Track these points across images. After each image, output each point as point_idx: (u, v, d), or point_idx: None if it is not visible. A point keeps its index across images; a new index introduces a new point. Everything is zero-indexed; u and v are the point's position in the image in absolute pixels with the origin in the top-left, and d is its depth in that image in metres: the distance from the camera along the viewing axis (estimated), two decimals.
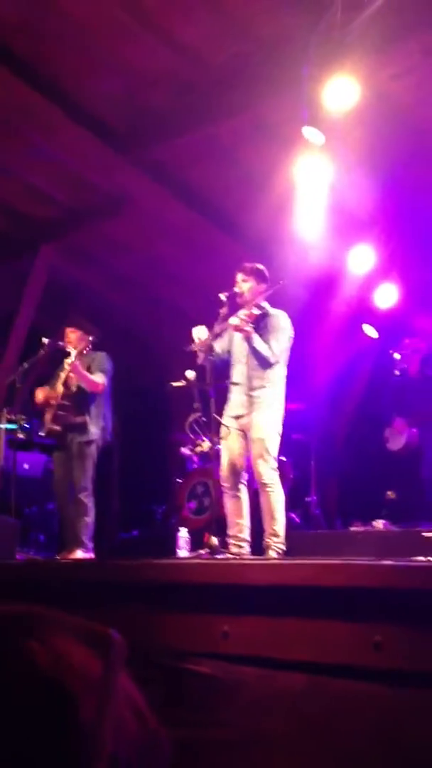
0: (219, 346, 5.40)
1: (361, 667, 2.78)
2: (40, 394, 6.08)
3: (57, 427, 6.02)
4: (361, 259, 7.69)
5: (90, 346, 6.20)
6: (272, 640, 3.06)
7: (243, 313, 5.24)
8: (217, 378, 5.35)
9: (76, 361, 5.89)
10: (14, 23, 6.27)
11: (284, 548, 5.06)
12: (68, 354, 5.97)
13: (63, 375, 6.02)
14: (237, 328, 5.17)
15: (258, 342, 5.17)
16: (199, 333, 5.29)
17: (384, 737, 2.61)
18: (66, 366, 5.94)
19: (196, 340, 5.27)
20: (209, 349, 5.21)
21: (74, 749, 0.80)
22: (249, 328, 5.15)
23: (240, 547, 5.12)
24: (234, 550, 5.07)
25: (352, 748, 2.65)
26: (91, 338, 6.16)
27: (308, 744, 2.74)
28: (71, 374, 5.96)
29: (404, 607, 2.79)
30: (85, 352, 6.09)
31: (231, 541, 5.15)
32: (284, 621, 3.05)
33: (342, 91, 5.99)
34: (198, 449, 6.74)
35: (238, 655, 3.10)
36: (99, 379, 5.98)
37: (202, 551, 4.92)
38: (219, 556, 4.71)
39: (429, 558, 3.44)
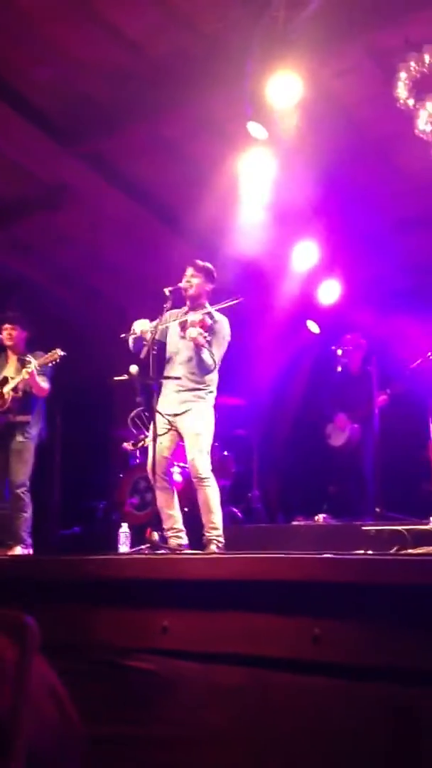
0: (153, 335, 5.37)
1: (300, 660, 2.79)
2: None
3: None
4: (305, 254, 7.72)
5: (23, 344, 6.19)
6: (212, 635, 3.05)
7: (197, 318, 5.21)
8: (160, 373, 5.32)
9: (34, 370, 5.83)
10: None
11: (223, 541, 5.08)
12: (27, 362, 5.89)
13: (14, 381, 5.96)
14: (195, 340, 5.15)
15: (206, 354, 5.20)
16: (141, 326, 5.26)
17: (321, 729, 2.63)
18: (24, 375, 5.87)
19: (138, 332, 5.23)
20: (152, 342, 5.17)
21: None
22: (203, 342, 5.15)
23: (179, 537, 5.13)
24: (174, 542, 5.07)
25: (291, 741, 2.65)
26: (23, 335, 6.15)
27: (248, 738, 2.73)
28: (25, 381, 5.90)
29: (342, 600, 2.81)
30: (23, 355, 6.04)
31: (168, 534, 5.16)
32: (224, 615, 3.05)
33: (285, 87, 6.01)
34: (140, 444, 6.70)
35: (177, 650, 3.09)
36: (46, 384, 5.98)
37: (143, 547, 4.89)
38: (160, 552, 4.69)
39: (367, 551, 3.47)
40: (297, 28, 5.92)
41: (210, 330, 5.28)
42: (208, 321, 5.29)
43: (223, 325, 5.40)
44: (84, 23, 6.29)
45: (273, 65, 5.97)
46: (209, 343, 5.22)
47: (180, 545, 5.06)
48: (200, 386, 5.29)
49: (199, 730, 2.83)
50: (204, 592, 3.17)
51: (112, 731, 2.99)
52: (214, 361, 5.25)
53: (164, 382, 5.33)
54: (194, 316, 5.26)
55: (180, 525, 5.22)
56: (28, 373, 5.86)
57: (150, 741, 2.92)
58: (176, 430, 5.27)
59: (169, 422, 5.26)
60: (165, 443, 5.25)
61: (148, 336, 5.18)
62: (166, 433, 5.25)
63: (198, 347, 5.17)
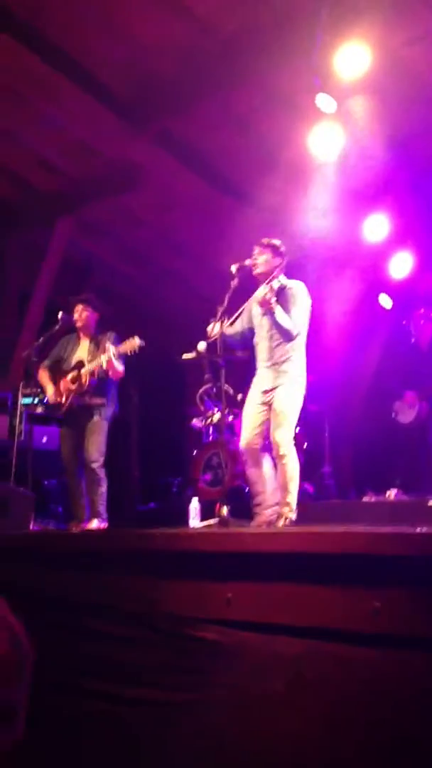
0: (239, 325, 5.42)
1: (359, 632, 2.80)
2: (59, 388, 6.17)
3: (74, 407, 6.12)
4: (376, 228, 7.62)
5: (94, 325, 6.29)
6: (274, 606, 3.09)
7: (264, 289, 5.22)
8: (227, 349, 5.36)
9: (113, 357, 5.92)
10: None
11: (294, 517, 5.09)
12: (101, 344, 6.02)
13: (91, 365, 6.07)
14: (262, 302, 5.16)
15: (281, 315, 5.17)
16: (201, 346, 5.35)
17: (379, 701, 2.65)
18: (102, 362, 5.97)
19: (202, 350, 5.30)
20: (221, 319, 5.21)
21: None
22: (273, 301, 5.15)
23: (269, 515, 5.13)
24: (261, 518, 5.10)
25: (347, 712, 2.69)
26: (96, 316, 6.24)
27: (306, 706, 2.78)
28: (103, 367, 6.00)
29: (402, 574, 2.81)
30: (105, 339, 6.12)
31: (257, 509, 5.17)
32: (285, 587, 3.08)
33: (354, 57, 5.93)
34: (209, 421, 6.76)
35: (240, 621, 3.14)
36: (121, 367, 6.05)
37: (212, 521, 4.96)
38: (228, 526, 4.75)
39: (425, 527, 3.45)
40: None
41: (283, 297, 5.27)
42: (276, 285, 5.27)
43: (298, 289, 5.35)
44: (152, 3, 6.33)
45: (342, 35, 5.89)
46: (285, 308, 5.21)
47: (264, 521, 5.07)
48: (287, 358, 5.24)
49: (257, 696, 2.89)
50: (267, 565, 3.22)
51: (172, 697, 3.09)
52: (295, 324, 5.21)
53: (256, 361, 5.35)
54: (260, 291, 5.26)
55: (270, 501, 5.17)
56: (107, 362, 5.94)
57: (209, 705, 3.00)
58: (268, 407, 5.28)
59: (261, 400, 5.29)
60: (256, 421, 5.28)
61: (229, 331, 5.22)
62: (255, 409, 5.28)
63: (270, 312, 5.16)
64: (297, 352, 5.30)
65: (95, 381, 6.08)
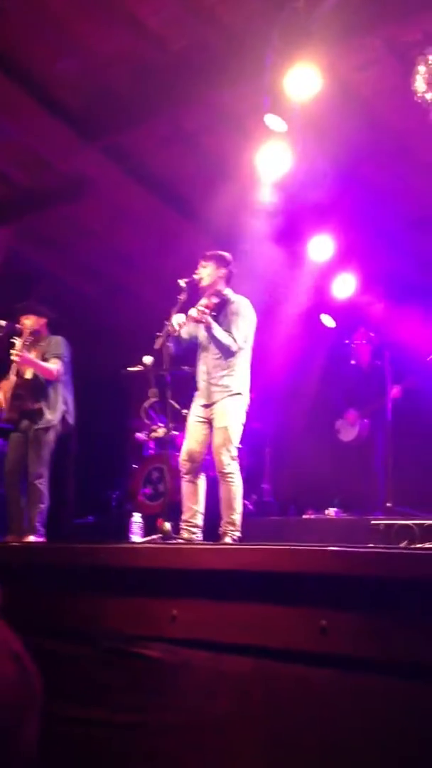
0: (186, 331, 5.38)
1: (307, 651, 2.81)
2: (5, 396, 6.06)
3: (14, 415, 5.99)
4: (320, 248, 7.73)
5: (45, 331, 6.19)
6: (220, 624, 3.07)
7: (202, 302, 5.23)
8: (173, 363, 5.34)
9: (23, 352, 5.81)
10: None
11: (239, 535, 5.10)
12: (14, 344, 5.89)
13: (14, 365, 5.96)
14: (195, 320, 5.17)
15: (218, 331, 5.16)
16: (178, 319, 5.25)
17: (326, 721, 2.65)
18: (13, 357, 5.86)
19: (176, 326, 5.22)
20: (168, 334, 5.18)
21: None
22: (207, 318, 5.15)
23: (192, 533, 5.14)
24: (185, 535, 5.09)
25: (295, 732, 2.68)
26: (37, 323, 6.13)
27: (253, 727, 2.77)
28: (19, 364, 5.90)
29: (350, 592, 2.83)
30: (32, 338, 6.03)
31: (183, 525, 5.17)
32: (232, 605, 3.07)
33: (304, 79, 6.00)
34: (153, 435, 6.74)
35: (186, 639, 3.11)
36: (52, 365, 5.92)
37: (155, 536, 4.92)
38: (171, 542, 4.72)
39: (376, 545, 3.49)
40: (317, 20, 5.90)
41: (225, 312, 5.27)
42: (215, 300, 5.27)
43: (241, 305, 5.35)
44: (106, 16, 6.31)
45: (292, 57, 5.96)
46: (230, 323, 5.21)
47: (191, 540, 5.07)
48: (226, 374, 5.22)
49: (205, 718, 2.86)
50: (213, 582, 3.20)
51: (117, 717, 3.04)
52: (234, 341, 5.20)
53: (197, 374, 5.33)
54: (202, 301, 5.26)
55: (198, 521, 5.19)
56: (16, 355, 5.81)
57: (155, 727, 2.96)
58: (208, 422, 5.26)
59: (201, 415, 5.26)
60: (197, 436, 5.25)
61: (179, 326, 5.18)
62: (197, 423, 5.24)
63: (206, 326, 5.15)
64: (239, 368, 5.28)
65: (28, 384, 5.94)
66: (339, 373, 7.65)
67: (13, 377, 5.96)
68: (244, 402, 5.28)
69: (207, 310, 5.18)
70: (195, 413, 5.27)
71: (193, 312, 5.17)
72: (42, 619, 3.65)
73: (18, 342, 5.83)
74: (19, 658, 0.95)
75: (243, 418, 5.26)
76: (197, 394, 5.34)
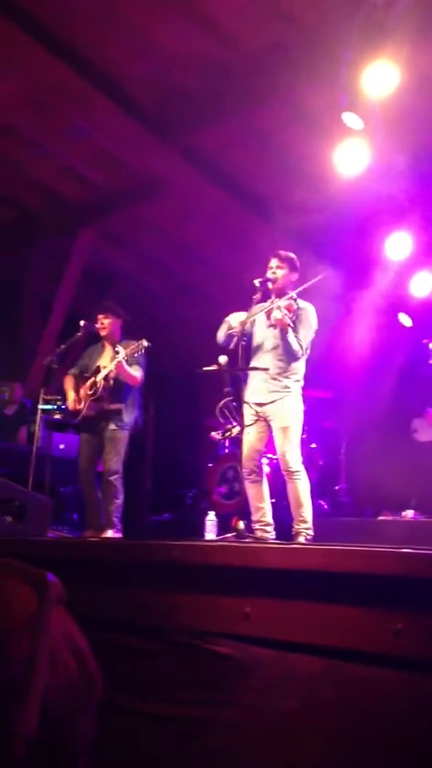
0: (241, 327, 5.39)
1: (380, 654, 2.78)
2: (72, 395, 6.19)
3: (91, 414, 6.13)
4: (399, 245, 7.61)
5: (119, 333, 6.31)
6: (291, 624, 3.07)
7: (283, 304, 5.21)
8: (248, 363, 5.36)
9: (123, 361, 5.94)
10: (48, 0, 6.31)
11: (312, 533, 5.09)
12: (116, 351, 6.01)
13: (105, 370, 6.08)
14: (279, 322, 5.16)
15: (292, 337, 5.19)
16: (237, 319, 5.27)
17: (399, 724, 2.62)
18: (112, 366, 6.00)
19: (235, 325, 5.25)
20: (243, 333, 5.21)
21: (3, 678, 0.84)
22: (289, 322, 5.15)
23: (265, 531, 5.16)
24: (259, 534, 5.11)
25: (364, 735, 2.66)
26: (118, 323, 6.26)
27: (321, 728, 2.75)
28: (114, 371, 6.02)
29: (426, 596, 2.79)
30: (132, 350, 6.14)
31: (256, 526, 5.19)
32: (304, 605, 3.06)
33: (382, 76, 5.93)
34: (228, 434, 6.76)
35: (257, 637, 3.12)
36: (137, 373, 6.06)
37: (228, 535, 4.95)
38: (245, 541, 4.74)
39: None
40: (395, 15, 5.83)
41: (296, 316, 5.27)
42: (294, 305, 5.28)
43: (309, 312, 5.36)
44: (181, 17, 6.37)
45: (370, 54, 5.90)
46: (295, 329, 5.22)
47: (265, 539, 5.09)
48: (288, 376, 5.26)
49: (273, 716, 2.86)
50: (286, 581, 3.20)
51: (185, 713, 3.07)
52: (301, 347, 5.22)
53: (251, 373, 5.35)
54: (280, 302, 5.26)
55: (268, 518, 5.23)
56: (116, 365, 5.97)
57: (222, 722, 2.98)
58: (265, 421, 5.28)
59: (257, 413, 5.27)
60: (254, 434, 5.27)
61: (243, 323, 5.20)
62: (253, 423, 5.26)
63: (283, 330, 5.16)
64: (298, 369, 5.33)
65: (110, 386, 6.08)
66: (417, 373, 7.52)
67: (101, 382, 6.08)
68: (300, 400, 5.32)
69: (289, 314, 5.18)
70: (250, 412, 5.26)
71: (277, 314, 5.16)
72: (117, 614, 3.71)
73: (122, 352, 5.92)
74: (82, 655, 0.98)
75: (302, 416, 5.27)
76: (253, 391, 5.31)
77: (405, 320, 8.31)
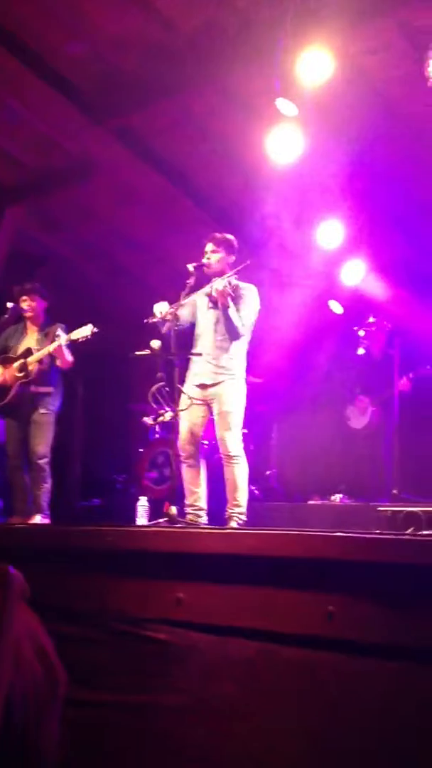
0: (182, 313, 5.38)
1: (313, 636, 2.82)
2: (5, 377, 6.09)
3: (16, 398, 6.04)
4: (330, 233, 7.67)
5: (43, 316, 6.25)
6: (226, 608, 3.09)
7: (220, 284, 5.21)
8: (181, 347, 5.34)
9: (64, 345, 5.84)
10: None
11: (245, 519, 5.12)
12: (56, 335, 5.95)
13: (39, 353, 5.99)
14: (221, 293, 5.14)
15: (233, 312, 5.18)
16: (161, 308, 5.26)
17: (329, 705, 2.66)
18: (49, 348, 5.92)
19: (158, 315, 5.23)
20: (175, 318, 5.18)
21: None
22: (230, 293, 5.15)
23: (197, 516, 5.17)
24: (191, 518, 5.11)
25: (299, 716, 2.70)
26: (43, 305, 6.20)
27: (256, 711, 2.78)
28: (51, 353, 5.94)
29: (357, 578, 2.84)
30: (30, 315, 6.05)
31: (188, 510, 5.20)
32: (238, 589, 3.09)
33: (316, 63, 5.96)
34: (160, 419, 6.72)
35: (191, 622, 3.13)
36: (71, 357, 6.00)
37: (161, 520, 4.94)
38: (177, 525, 4.73)
39: (379, 531, 3.49)
40: (329, 3, 5.86)
41: (236, 294, 5.27)
42: (233, 282, 5.27)
43: (251, 291, 5.38)
44: None
45: (304, 41, 5.92)
46: (237, 307, 5.22)
47: (197, 523, 5.09)
48: (230, 357, 5.25)
49: (208, 701, 2.88)
50: (219, 566, 3.21)
51: (122, 699, 3.06)
52: (243, 324, 5.23)
53: (194, 357, 5.33)
54: (219, 282, 5.25)
55: (202, 503, 5.24)
56: (55, 347, 5.88)
57: (159, 709, 2.98)
58: (206, 404, 5.27)
59: (198, 397, 5.26)
60: (195, 418, 5.26)
61: (168, 317, 5.18)
62: (193, 406, 5.24)
63: (224, 305, 5.15)
64: (239, 352, 5.32)
65: (43, 369, 6.01)
66: (348, 360, 7.63)
67: (35, 365, 5.99)
68: (244, 385, 5.30)
69: (230, 290, 5.17)
70: (192, 395, 5.25)
71: (218, 285, 5.15)
72: (49, 602, 3.66)
73: (64, 336, 5.84)
74: (46, 652, 0.95)
75: (244, 401, 5.27)
76: (194, 374, 5.32)
77: (336, 307, 8.40)
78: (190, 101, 7.10)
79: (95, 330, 5.85)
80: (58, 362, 5.99)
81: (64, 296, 6.57)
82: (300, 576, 2.94)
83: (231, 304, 5.17)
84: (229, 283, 5.20)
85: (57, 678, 0.95)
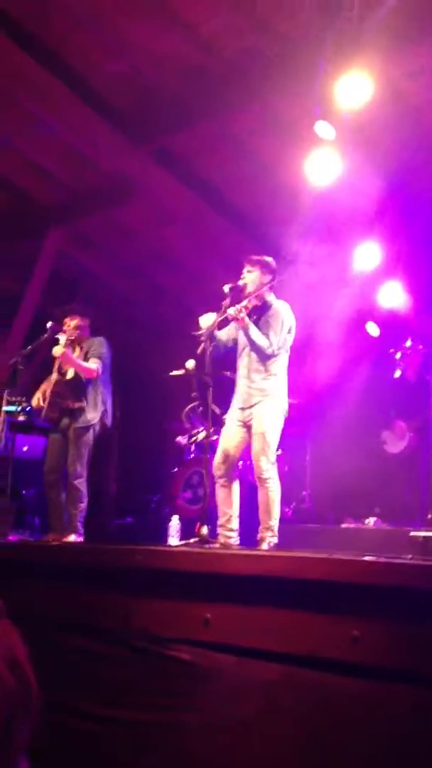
0: (224, 334, 5.40)
1: (337, 660, 2.80)
2: (38, 395, 6.14)
3: (54, 414, 6.05)
4: (367, 256, 7.65)
5: (88, 333, 6.23)
6: (252, 630, 3.08)
7: (242, 303, 5.24)
8: (216, 368, 5.35)
9: (66, 349, 5.87)
10: None
11: (276, 541, 5.09)
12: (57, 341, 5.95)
13: (56, 363, 6.03)
14: (234, 318, 5.17)
15: (254, 333, 5.17)
16: (206, 320, 5.26)
17: (354, 730, 2.63)
18: (55, 355, 5.94)
19: (203, 327, 5.23)
20: (211, 338, 5.20)
21: None
22: (245, 318, 5.15)
23: (228, 537, 5.14)
24: (223, 540, 5.09)
25: (320, 740, 2.67)
26: (81, 324, 6.19)
27: (279, 732, 2.76)
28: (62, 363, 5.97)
29: (383, 603, 2.81)
30: (76, 333, 6.09)
31: (220, 530, 5.17)
32: (265, 611, 3.07)
33: (355, 87, 5.97)
34: (194, 439, 6.75)
35: (217, 643, 3.12)
36: (93, 365, 5.97)
37: (192, 540, 4.94)
38: (208, 546, 4.73)
39: (411, 557, 3.45)
40: (370, 28, 5.88)
41: (265, 316, 5.27)
42: (254, 303, 5.26)
43: (281, 309, 5.34)
44: (158, 20, 6.37)
45: (344, 65, 5.94)
46: (268, 327, 5.21)
47: (228, 545, 5.07)
48: (263, 377, 5.22)
49: (229, 721, 2.86)
50: (247, 587, 3.21)
51: (146, 717, 3.06)
52: (270, 343, 5.19)
53: (238, 377, 5.33)
54: (232, 308, 5.25)
55: (234, 524, 5.19)
56: (58, 354, 5.87)
57: (181, 728, 2.98)
58: (245, 426, 5.26)
59: (239, 418, 5.26)
60: (232, 439, 5.26)
61: (210, 328, 5.18)
62: (231, 427, 5.24)
63: (244, 328, 5.16)
64: (278, 373, 5.28)
65: (68, 382, 5.99)
66: (384, 383, 7.57)
67: (54, 375, 6.04)
68: (282, 406, 5.27)
69: (245, 310, 5.18)
70: (233, 416, 5.27)
71: (231, 311, 5.18)
72: (78, 618, 3.69)
73: (62, 339, 5.88)
74: (20, 666, 0.96)
75: (281, 423, 5.25)
76: (235, 397, 5.34)
77: (372, 330, 8.35)
78: (230, 123, 7.16)
79: (86, 324, 5.93)
80: (78, 372, 5.97)
81: (103, 316, 6.61)
82: (326, 599, 2.92)
83: (251, 325, 5.17)
84: (245, 308, 5.20)
85: (30, 689, 0.96)
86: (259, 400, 5.21)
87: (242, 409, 5.26)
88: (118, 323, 8.36)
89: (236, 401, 5.32)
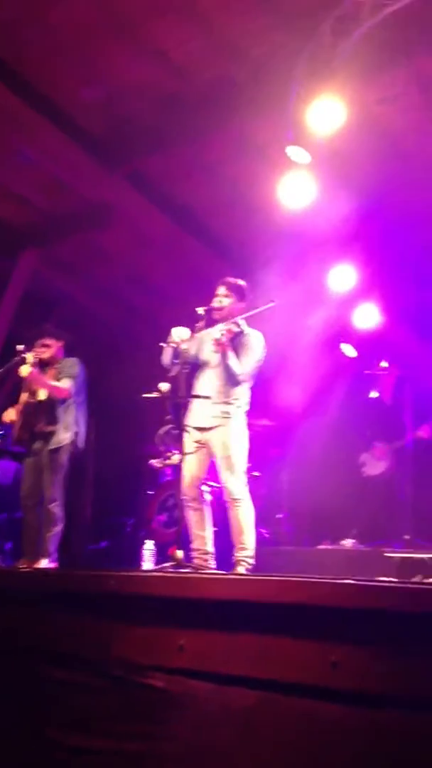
0: (193, 348, 5.34)
1: (316, 686, 2.75)
2: (10, 414, 6.03)
3: (25, 435, 5.96)
4: (343, 277, 7.70)
5: (61, 354, 6.16)
6: (228, 656, 3.03)
7: (224, 327, 5.22)
8: (190, 390, 5.31)
9: (33, 369, 5.79)
10: None
11: (253, 563, 5.04)
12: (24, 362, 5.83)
13: (25, 384, 5.95)
14: (217, 343, 5.15)
15: (233, 360, 5.15)
16: (178, 332, 5.21)
17: (332, 757, 2.59)
18: (22, 374, 5.86)
19: (176, 339, 5.19)
20: (184, 361, 5.16)
21: None
22: (227, 345, 5.14)
23: (204, 560, 5.09)
24: (198, 563, 5.04)
25: (301, 765, 2.62)
26: (59, 344, 6.12)
27: (257, 761, 2.71)
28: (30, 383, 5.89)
29: (362, 627, 2.77)
30: (42, 356, 6.00)
31: (194, 554, 5.12)
32: (241, 637, 3.02)
33: (328, 112, 6.04)
34: (168, 462, 6.70)
35: (192, 670, 3.07)
36: (64, 384, 5.88)
37: (166, 564, 4.88)
38: (183, 570, 4.67)
39: (389, 578, 3.43)
40: (342, 53, 5.95)
41: (239, 341, 5.26)
42: (236, 329, 5.25)
43: (254, 338, 5.32)
44: (130, 47, 6.39)
45: (317, 90, 6.00)
46: (238, 354, 5.20)
47: (204, 567, 5.02)
48: (229, 401, 5.20)
49: (207, 750, 2.80)
50: (222, 612, 3.15)
51: (120, 746, 2.99)
52: (243, 371, 5.19)
53: (194, 396, 5.29)
54: (223, 326, 5.25)
55: (208, 547, 5.15)
56: (27, 373, 5.74)
57: (156, 757, 2.91)
58: (206, 447, 5.22)
59: (198, 439, 5.22)
60: (195, 462, 5.20)
61: (183, 346, 5.15)
62: (195, 451, 5.20)
63: (224, 353, 5.15)
64: (242, 396, 5.27)
65: (40, 405, 5.89)
66: (360, 404, 7.60)
67: (24, 396, 5.94)
68: (244, 428, 5.24)
69: (228, 336, 5.17)
70: (192, 438, 5.20)
71: (215, 335, 5.16)
72: (50, 646, 3.62)
73: (29, 357, 5.79)
74: None
75: (246, 442, 5.22)
76: (195, 416, 5.25)
77: (348, 351, 8.39)
78: (204, 148, 7.21)
79: (20, 347, 5.79)
80: (48, 392, 5.86)
81: (78, 339, 6.56)
82: (303, 624, 2.88)
83: (230, 352, 5.16)
84: (228, 332, 5.19)
85: None
86: (220, 423, 5.16)
87: (200, 429, 5.20)
88: (93, 345, 8.31)
89: (193, 420, 5.25)
